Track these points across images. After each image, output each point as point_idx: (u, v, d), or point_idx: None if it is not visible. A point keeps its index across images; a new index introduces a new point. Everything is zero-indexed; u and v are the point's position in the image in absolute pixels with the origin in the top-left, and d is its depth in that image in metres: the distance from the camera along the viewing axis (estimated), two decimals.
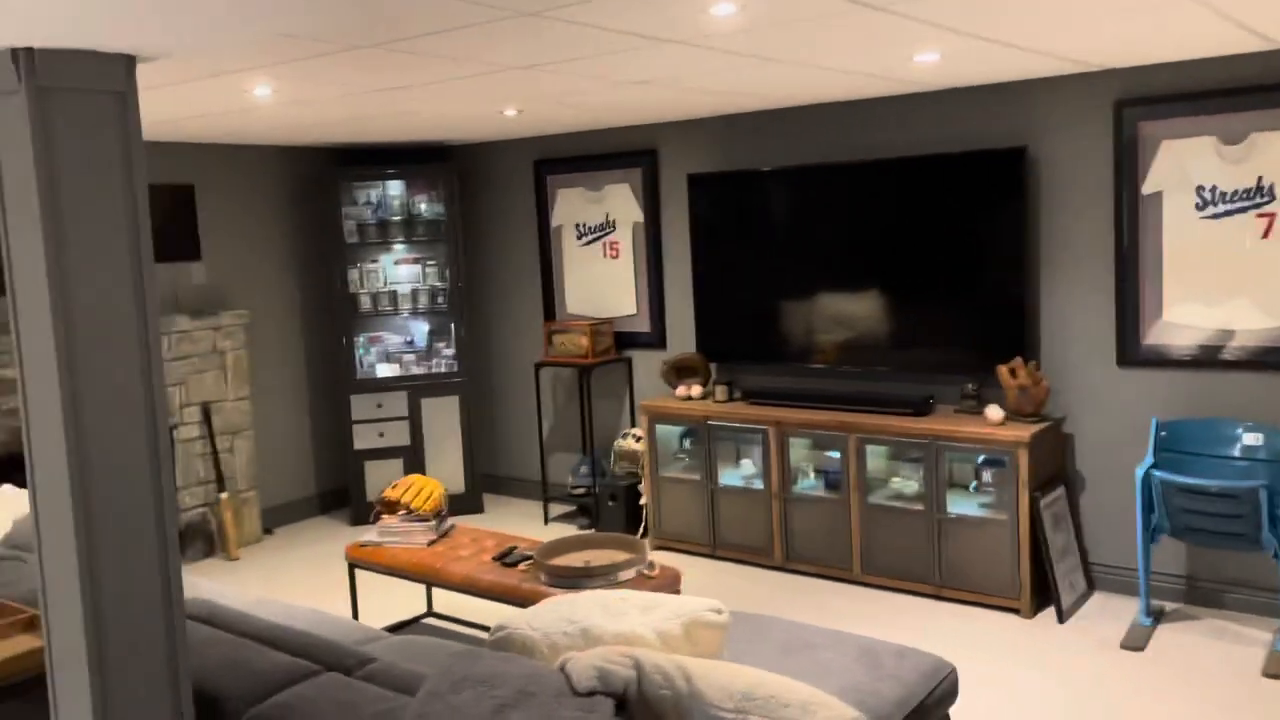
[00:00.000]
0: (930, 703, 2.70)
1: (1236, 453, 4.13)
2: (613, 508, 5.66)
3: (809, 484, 4.99)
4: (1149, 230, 4.33)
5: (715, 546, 5.23)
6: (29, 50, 1.71)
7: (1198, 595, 4.38)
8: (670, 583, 3.68)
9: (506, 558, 3.93)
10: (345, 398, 6.14)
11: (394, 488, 4.34)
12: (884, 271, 4.93)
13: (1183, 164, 4.22)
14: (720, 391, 5.30)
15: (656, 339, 5.88)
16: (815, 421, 4.86)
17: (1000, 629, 4.26)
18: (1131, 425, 4.46)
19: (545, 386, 6.39)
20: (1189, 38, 3.60)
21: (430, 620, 4.57)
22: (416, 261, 6.29)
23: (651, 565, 3.71)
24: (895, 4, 2.74)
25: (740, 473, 5.22)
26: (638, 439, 5.69)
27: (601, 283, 6.06)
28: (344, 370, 6.15)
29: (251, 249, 6.07)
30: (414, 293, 6.24)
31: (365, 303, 6.19)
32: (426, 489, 4.31)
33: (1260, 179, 4.06)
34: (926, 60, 3.79)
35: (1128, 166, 4.33)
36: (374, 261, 6.24)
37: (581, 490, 5.95)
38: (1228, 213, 4.16)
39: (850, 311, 5.05)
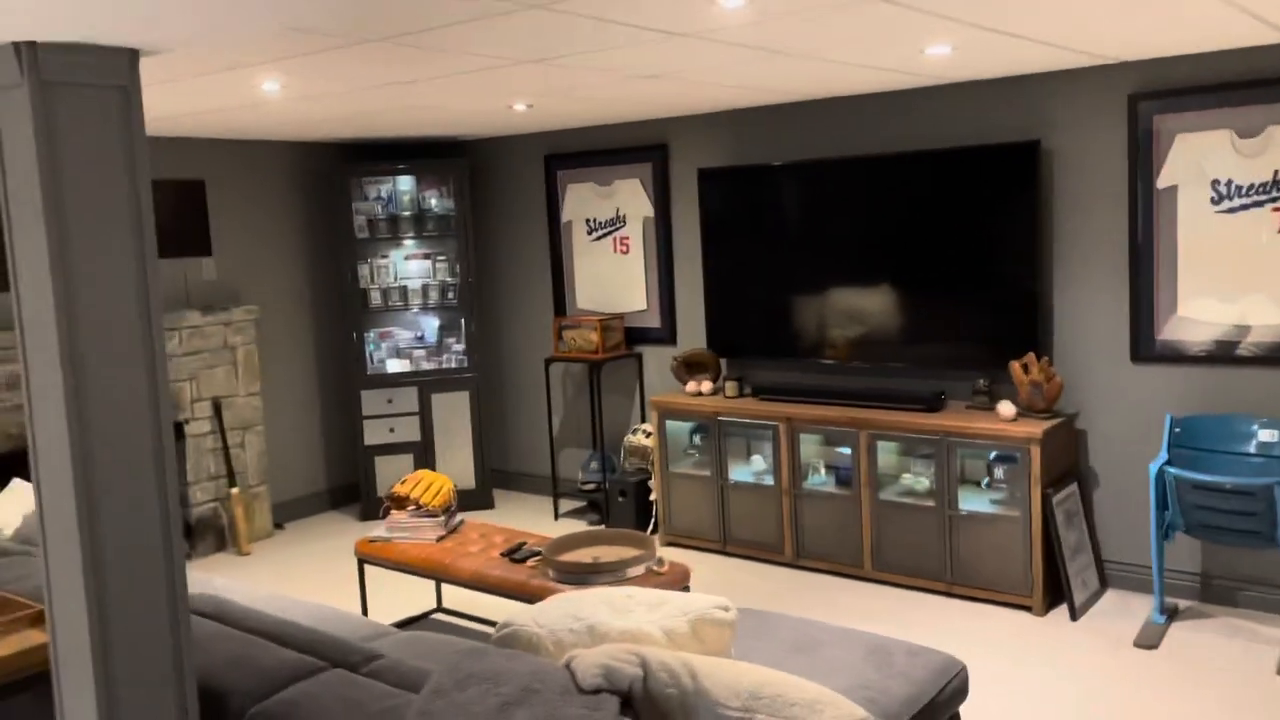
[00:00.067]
0: (940, 701, 2.68)
1: (1252, 449, 4.09)
2: (623, 503, 5.65)
3: (820, 480, 4.97)
4: (1164, 224, 4.29)
5: (725, 543, 5.22)
6: (31, 44, 1.70)
7: (1212, 593, 4.34)
8: (679, 579, 3.66)
9: (515, 554, 3.92)
10: (355, 393, 6.14)
11: (403, 483, 4.33)
12: (895, 266, 4.90)
13: (1198, 158, 4.17)
14: (730, 387, 5.28)
15: (667, 334, 5.87)
16: (826, 417, 4.84)
17: (1012, 626, 4.24)
18: (1145, 421, 4.42)
19: (555, 382, 6.39)
20: (1204, 30, 3.56)
21: (439, 616, 4.57)
22: (427, 257, 6.29)
23: (660, 562, 3.70)
24: None
25: (751, 469, 5.21)
26: (648, 435, 5.68)
27: (612, 278, 6.05)
28: (354, 365, 6.15)
29: (262, 244, 6.08)
30: (424, 288, 6.24)
31: (375, 298, 6.19)
32: (436, 484, 4.30)
33: (1277, 173, 4.01)
34: (938, 53, 3.76)
35: (1142, 160, 4.29)
36: (384, 257, 6.24)
37: (591, 486, 5.94)
38: (1243, 207, 4.11)
39: (861, 307, 5.02)
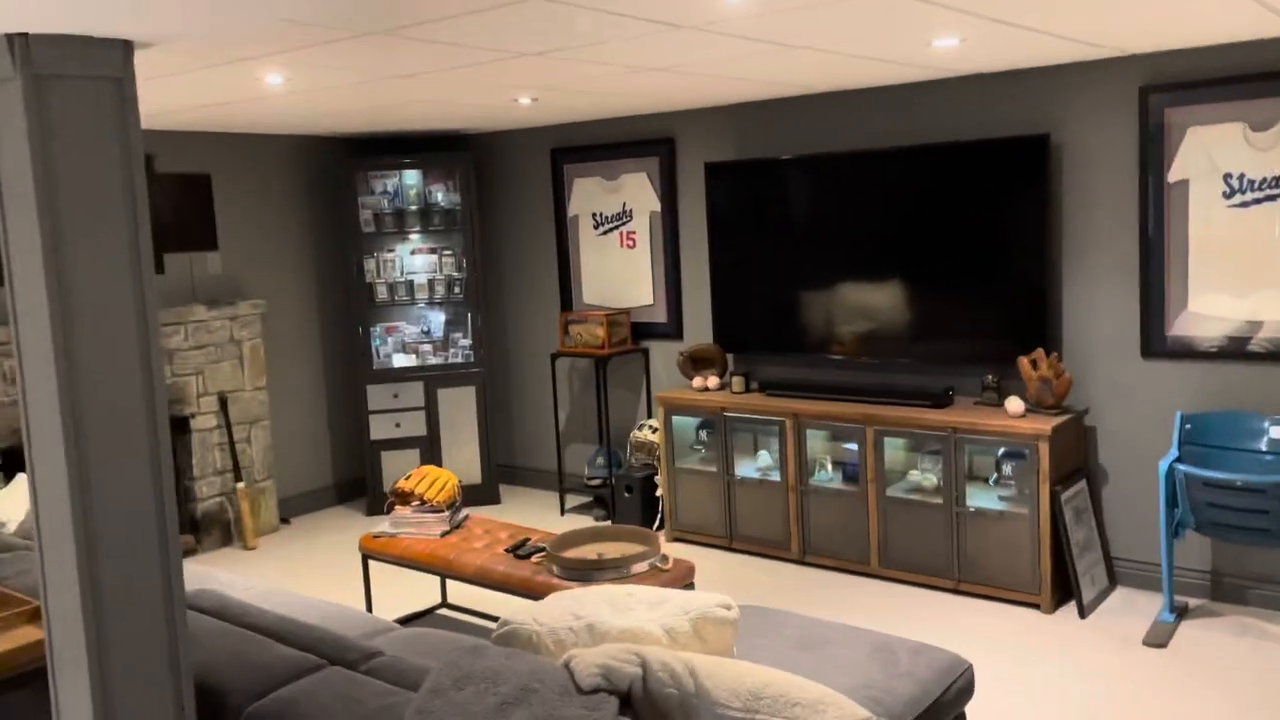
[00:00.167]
0: (945, 700, 2.65)
1: (1263, 446, 4.05)
2: (629, 499, 5.63)
3: (826, 476, 4.94)
4: (1175, 219, 4.24)
5: (732, 539, 5.19)
6: (24, 36, 1.68)
7: (1222, 591, 4.30)
8: (683, 576, 3.64)
9: (519, 550, 3.90)
10: (361, 388, 6.13)
11: (408, 479, 4.32)
12: (903, 261, 4.86)
13: (1210, 151, 4.12)
14: (737, 382, 5.26)
15: (673, 329, 5.84)
16: (833, 413, 4.81)
17: (1020, 624, 4.20)
18: (1155, 418, 4.38)
19: (561, 377, 6.37)
20: (1217, 22, 3.51)
21: (444, 612, 4.56)
22: (433, 251, 6.27)
23: (665, 558, 3.68)
24: None
25: (757, 464, 5.18)
26: (654, 430, 5.66)
27: (618, 273, 6.02)
28: (360, 360, 6.14)
29: (268, 238, 6.07)
30: (430, 283, 6.22)
31: (382, 292, 6.17)
32: (440, 480, 4.29)
33: None
34: (946, 46, 3.72)
35: (1153, 154, 4.24)
36: (390, 251, 6.23)
37: (597, 481, 5.92)
38: (1256, 201, 4.06)
39: (869, 302, 4.98)
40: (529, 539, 4.03)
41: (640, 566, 3.59)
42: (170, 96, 4.10)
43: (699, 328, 5.73)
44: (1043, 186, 4.44)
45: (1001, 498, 4.48)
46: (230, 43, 2.83)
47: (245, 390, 5.78)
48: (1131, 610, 4.28)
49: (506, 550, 3.93)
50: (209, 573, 3.73)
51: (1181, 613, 4.20)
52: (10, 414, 4.91)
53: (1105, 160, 4.38)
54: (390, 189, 6.22)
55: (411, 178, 6.23)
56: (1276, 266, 4.04)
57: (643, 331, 5.96)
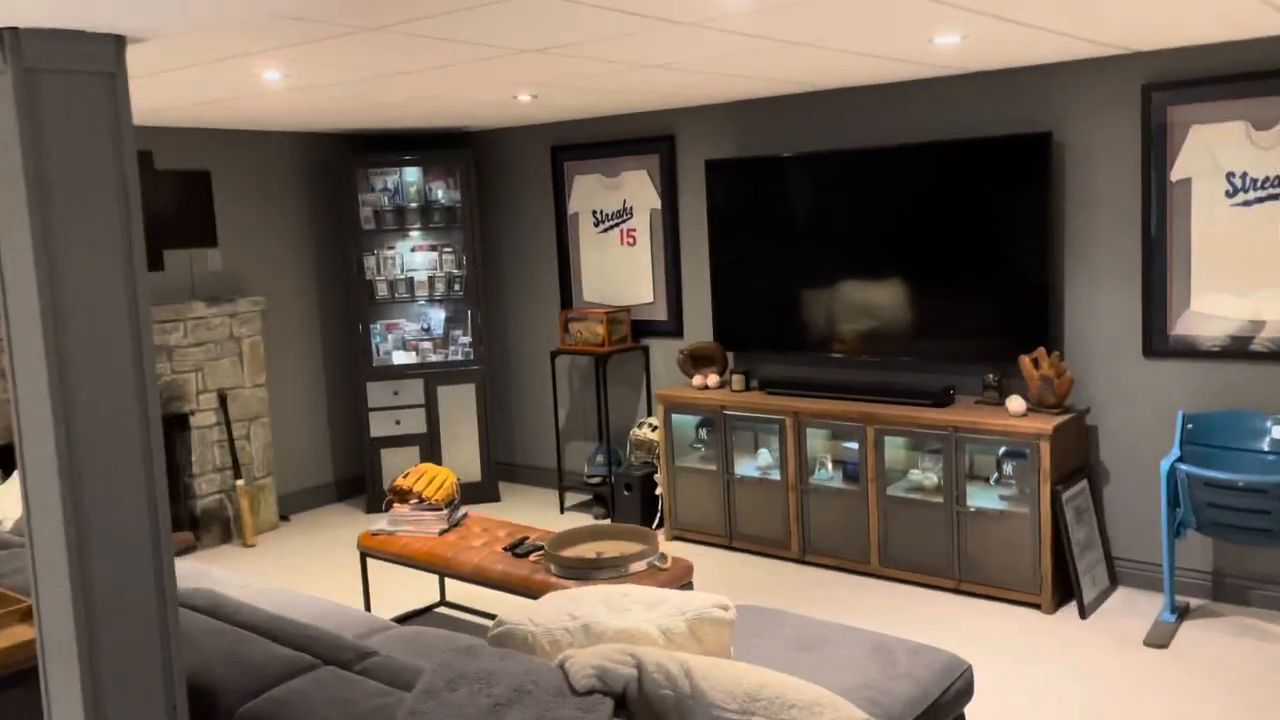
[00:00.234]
0: (944, 702, 2.63)
1: (1265, 446, 4.03)
2: (628, 497, 5.61)
3: (826, 475, 4.92)
4: (1177, 218, 4.22)
5: (731, 538, 5.18)
6: (14, 30, 1.67)
7: (1223, 592, 4.28)
8: (682, 575, 3.63)
9: (518, 548, 3.89)
10: (361, 385, 6.12)
11: (406, 476, 4.31)
12: (904, 259, 4.84)
13: (1213, 150, 4.10)
14: (737, 381, 5.24)
15: (674, 327, 5.82)
16: (833, 412, 4.79)
17: (1020, 624, 4.19)
18: (1157, 417, 4.36)
19: (561, 375, 6.35)
20: (1220, 19, 3.49)
21: (443, 610, 4.55)
22: (433, 248, 6.26)
23: (663, 557, 3.67)
24: None
25: (757, 463, 5.16)
26: (654, 428, 5.64)
27: (618, 270, 6.01)
28: (360, 357, 6.13)
29: (268, 235, 6.06)
30: (430, 280, 6.21)
31: (382, 289, 6.16)
32: (439, 478, 4.28)
33: None
34: (947, 43, 3.70)
35: (1156, 152, 4.22)
36: (390, 248, 6.21)
37: (597, 480, 5.91)
38: (1259, 200, 4.04)
39: (869, 300, 4.97)
40: (527, 537, 4.02)
41: (638, 565, 3.58)
42: (169, 93, 4.08)
43: (699, 326, 5.72)
44: (1045, 185, 4.42)
45: (1002, 497, 4.46)
46: (225, 38, 2.82)
47: (245, 387, 5.77)
48: (1132, 610, 4.26)
49: (505, 549, 3.92)
50: (206, 570, 3.72)
51: (1183, 613, 4.18)
52: (8, 412, 4.90)
53: (1107, 158, 4.36)
54: (390, 186, 6.21)
55: (412, 175, 6.21)
56: (1279, 266, 4.02)
57: (643, 329, 5.94)
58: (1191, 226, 4.19)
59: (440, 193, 6.24)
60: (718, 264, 5.43)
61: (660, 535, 5.42)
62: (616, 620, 2.16)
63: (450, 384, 6.18)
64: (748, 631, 2.87)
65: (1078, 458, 4.46)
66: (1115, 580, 4.54)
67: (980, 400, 4.66)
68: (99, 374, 1.78)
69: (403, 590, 4.82)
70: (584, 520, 5.80)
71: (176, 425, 5.54)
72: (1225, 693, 3.55)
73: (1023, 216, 4.49)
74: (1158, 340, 4.32)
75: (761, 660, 2.66)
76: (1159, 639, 3.95)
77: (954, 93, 4.71)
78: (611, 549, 3.74)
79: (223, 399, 5.65)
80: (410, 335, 6.29)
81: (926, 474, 4.67)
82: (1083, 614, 4.22)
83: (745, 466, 5.16)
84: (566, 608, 2.20)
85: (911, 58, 4.05)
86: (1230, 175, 4.08)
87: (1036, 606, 4.31)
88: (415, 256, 6.25)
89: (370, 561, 4.60)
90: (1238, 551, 4.23)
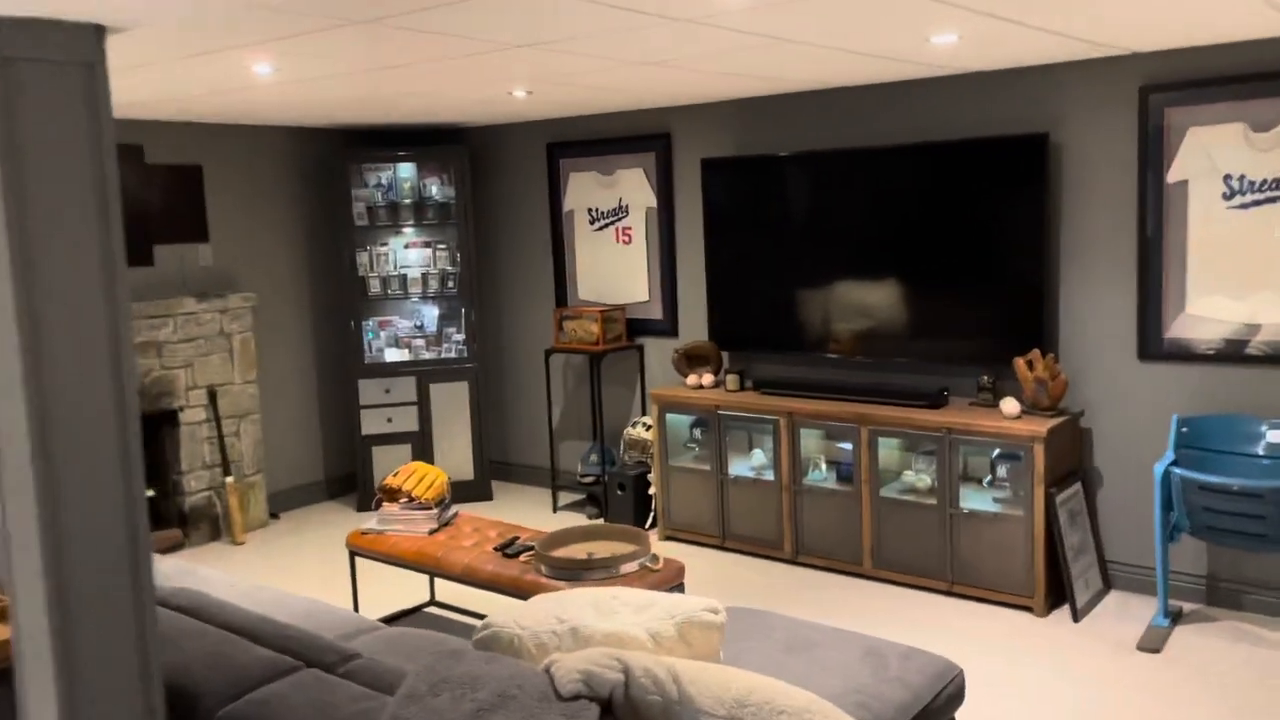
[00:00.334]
0: (935, 706, 2.61)
1: (1260, 451, 4.01)
2: (621, 497, 5.58)
3: (820, 476, 4.90)
4: (1173, 220, 4.20)
5: (725, 538, 5.15)
6: None
7: (1217, 596, 4.26)
8: (673, 576, 3.60)
9: (508, 548, 3.86)
10: (353, 382, 6.09)
11: (395, 475, 4.27)
12: (900, 260, 4.81)
13: (1210, 152, 4.08)
14: (731, 380, 5.21)
15: (669, 326, 5.79)
16: (827, 412, 4.77)
17: (1013, 628, 4.16)
18: (1152, 421, 4.34)
19: (555, 373, 6.32)
20: (1217, 20, 3.47)
21: (432, 610, 4.51)
22: (427, 245, 6.22)
23: (655, 558, 3.64)
24: None
25: (751, 463, 5.14)
26: (648, 428, 5.61)
27: (614, 269, 5.98)
28: (352, 354, 6.09)
29: (260, 231, 6.02)
30: (424, 277, 6.17)
31: (374, 286, 6.12)
32: (429, 476, 4.24)
33: None
34: (944, 42, 3.67)
35: (1153, 154, 4.20)
36: (384, 245, 6.18)
37: (590, 479, 5.88)
38: (1256, 203, 4.02)
39: (864, 301, 4.94)
40: (518, 537, 3.99)
41: (630, 566, 3.55)
42: (159, 86, 4.04)
43: (694, 325, 5.69)
44: (1041, 186, 4.39)
45: (996, 499, 4.44)
46: (209, 30, 2.78)
47: (235, 383, 5.73)
48: (1126, 614, 4.24)
49: (495, 549, 3.89)
50: (194, 568, 3.68)
51: (1176, 617, 4.16)
52: None
53: (1104, 160, 4.34)
54: (384, 182, 6.17)
55: (406, 170, 6.17)
56: (1276, 269, 4.00)
57: (638, 328, 5.91)
58: (1188, 229, 4.17)
59: (434, 189, 6.20)
60: (713, 263, 5.40)
61: (653, 535, 5.40)
62: (604, 623, 2.13)
63: (443, 382, 6.15)
64: (737, 634, 2.85)
65: (1072, 460, 4.44)
66: (1109, 584, 4.52)
67: (974, 402, 4.64)
68: (75, 371, 1.75)
69: (392, 589, 4.79)
70: (577, 520, 5.77)
71: (165, 421, 5.50)
72: (1218, 698, 3.53)
73: (1019, 218, 4.46)
74: (1153, 343, 4.30)
75: (751, 664, 2.63)
76: (1152, 643, 3.93)
77: (950, 93, 4.68)
78: (603, 550, 3.71)
79: (212, 395, 5.61)
80: (403, 332, 6.25)
81: (920, 476, 4.65)
82: (1076, 617, 4.20)
83: (739, 467, 5.14)
84: (554, 610, 2.17)
85: (908, 57, 4.02)
86: (1228, 177, 4.06)
87: (1029, 610, 4.29)
88: (409, 253, 6.22)
89: (359, 560, 4.57)
90: (1232, 556, 4.21)
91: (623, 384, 6.03)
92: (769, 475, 4.99)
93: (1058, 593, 4.31)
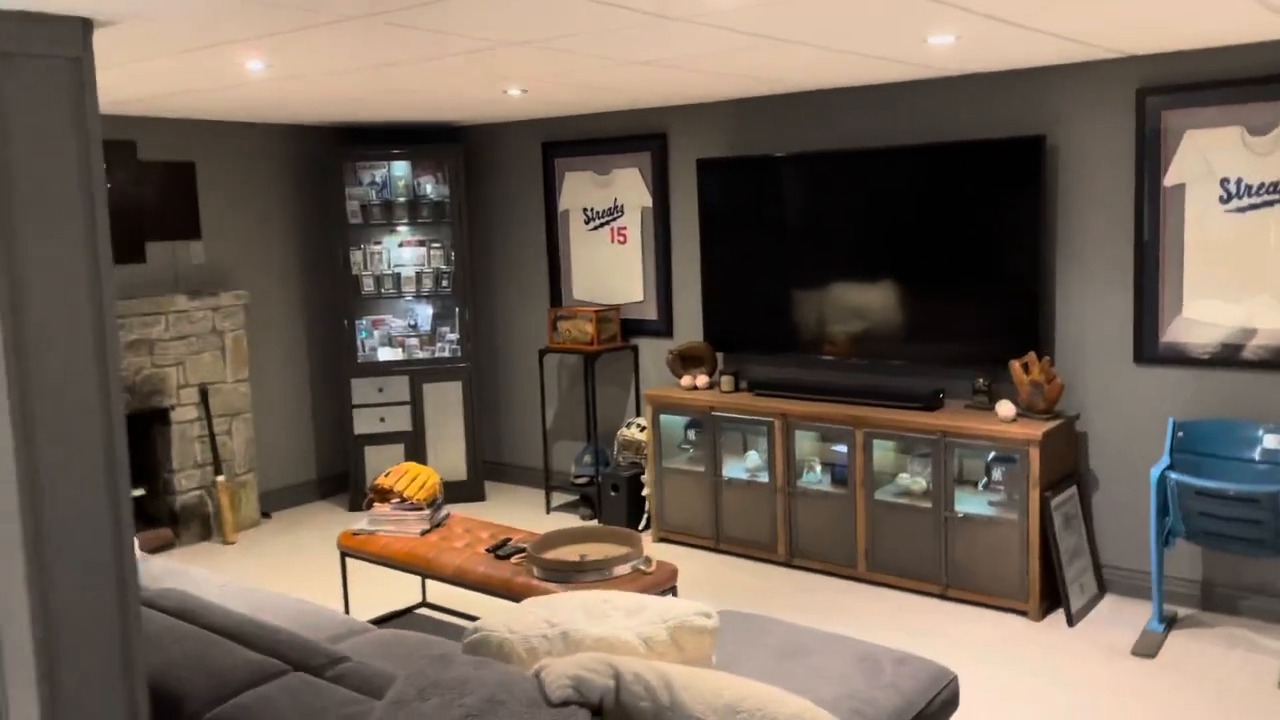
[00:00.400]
0: (930, 713, 2.59)
1: (1256, 456, 3.99)
2: (615, 498, 5.56)
3: (814, 478, 4.88)
4: (1170, 223, 4.18)
5: (718, 540, 5.13)
6: None
7: (1212, 601, 4.25)
8: (666, 579, 3.58)
9: (500, 550, 3.83)
10: (346, 381, 6.05)
11: (387, 475, 4.25)
12: (896, 262, 4.80)
13: (1207, 155, 4.07)
14: (726, 382, 5.19)
15: (664, 327, 5.77)
16: (822, 414, 4.75)
17: (1007, 632, 4.15)
18: (1147, 425, 4.32)
19: (550, 373, 6.30)
20: (1215, 23, 3.45)
21: (424, 611, 4.48)
22: (421, 244, 6.19)
23: (648, 560, 3.61)
24: None
25: (745, 465, 5.11)
26: (642, 429, 5.59)
27: (609, 269, 5.95)
28: (345, 353, 6.06)
29: (253, 228, 5.99)
30: (418, 275, 6.14)
31: (368, 285, 6.09)
32: (421, 477, 4.22)
33: None
34: (941, 43, 3.65)
35: (1150, 157, 4.19)
36: (378, 243, 6.15)
37: (584, 480, 5.85)
38: (1253, 206, 4.01)
39: (860, 302, 4.92)
40: (510, 539, 3.96)
41: (622, 569, 3.52)
42: (151, 82, 4.01)
43: (689, 326, 5.66)
44: (1038, 188, 4.38)
45: (991, 503, 4.42)
46: (199, 25, 2.75)
47: (227, 382, 5.69)
48: (1120, 619, 4.22)
49: (487, 550, 3.86)
50: (184, 569, 3.65)
51: (1171, 622, 4.15)
52: None
53: (1101, 163, 4.33)
54: (378, 180, 6.14)
55: (400, 169, 6.15)
56: (1272, 273, 3.99)
57: (632, 328, 5.89)
58: (1185, 232, 4.15)
59: (429, 188, 6.17)
60: (708, 264, 5.38)
61: (646, 537, 5.37)
62: (596, 628, 2.11)
63: (436, 381, 6.12)
64: (730, 639, 2.82)
65: (1067, 464, 4.42)
66: (1103, 588, 4.50)
67: (970, 405, 4.62)
68: (60, 370, 1.72)
69: (384, 590, 4.76)
70: (570, 521, 5.75)
71: (157, 420, 5.47)
72: (1213, 704, 3.51)
73: (1015, 220, 4.45)
74: (1149, 346, 4.28)
75: (744, 669, 2.61)
76: (1147, 648, 3.92)
77: (947, 95, 4.66)
78: (595, 551, 3.68)
79: (204, 394, 5.58)
80: (396, 331, 6.22)
81: (915, 478, 4.63)
82: (1070, 622, 4.18)
83: (733, 468, 5.11)
84: (544, 614, 2.14)
85: (905, 58, 4.00)
86: (1225, 181, 4.05)
87: (1024, 614, 4.27)
88: (403, 252, 6.19)
89: (351, 561, 4.53)
90: (1227, 561, 4.20)
91: (617, 384, 6.01)
92: (763, 477, 4.97)
93: (1052, 597, 4.30)
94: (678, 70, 4.11)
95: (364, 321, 6.16)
